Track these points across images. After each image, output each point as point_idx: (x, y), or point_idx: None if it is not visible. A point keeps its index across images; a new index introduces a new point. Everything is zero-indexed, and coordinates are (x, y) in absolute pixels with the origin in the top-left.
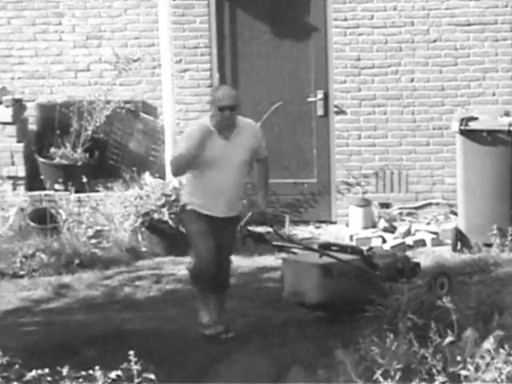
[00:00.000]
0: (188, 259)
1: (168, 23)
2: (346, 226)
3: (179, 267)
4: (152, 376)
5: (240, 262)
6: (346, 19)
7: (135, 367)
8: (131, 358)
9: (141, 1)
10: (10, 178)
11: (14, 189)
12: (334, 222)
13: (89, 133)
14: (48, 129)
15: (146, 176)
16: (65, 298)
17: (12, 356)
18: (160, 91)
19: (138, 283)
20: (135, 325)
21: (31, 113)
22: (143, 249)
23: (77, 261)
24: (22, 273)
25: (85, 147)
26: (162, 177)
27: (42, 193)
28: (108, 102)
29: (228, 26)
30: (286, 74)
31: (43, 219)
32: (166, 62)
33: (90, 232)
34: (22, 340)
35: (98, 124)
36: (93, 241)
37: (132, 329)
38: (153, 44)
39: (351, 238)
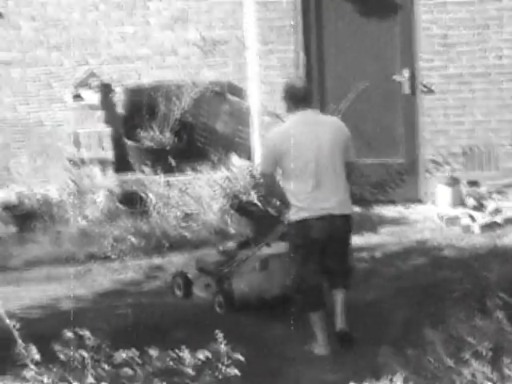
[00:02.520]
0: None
1: (254, 4)
2: (434, 205)
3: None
4: (240, 357)
5: None
6: None
7: (224, 348)
8: (219, 338)
9: None
10: (99, 161)
11: (104, 172)
12: (422, 202)
13: (176, 116)
14: (136, 112)
15: (234, 158)
16: (155, 280)
17: (102, 338)
18: (246, 73)
19: None
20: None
21: (119, 97)
22: (232, 231)
23: (166, 243)
24: (112, 256)
25: (173, 130)
26: (249, 158)
27: (131, 176)
28: (195, 85)
29: (313, 5)
30: (372, 52)
31: (132, 202)
32: (251, 44)
33: (179, 214)
34: (113, 322)
35: (185, 107)
36: (182, 223)
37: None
38: (238, 26)
39: (440, 217)
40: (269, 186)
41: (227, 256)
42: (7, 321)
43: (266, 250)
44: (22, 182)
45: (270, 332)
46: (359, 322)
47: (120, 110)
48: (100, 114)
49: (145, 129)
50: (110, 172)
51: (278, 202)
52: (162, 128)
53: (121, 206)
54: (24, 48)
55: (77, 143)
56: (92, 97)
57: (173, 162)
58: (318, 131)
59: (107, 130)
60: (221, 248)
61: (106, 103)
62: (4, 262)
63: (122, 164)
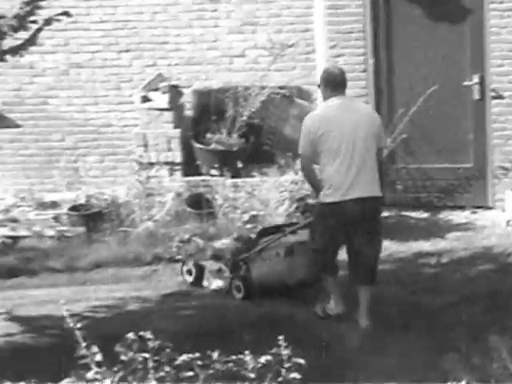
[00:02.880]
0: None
1: (323, 8)
2: (503, 211)
3: None
4: (301, 361)
5: (395, 248)
6: (502, 2)
7: (285, 352)
8: (281, 342)
9: None
10: (166, 163)
11: (171, 174)
12: (490, 207)
13: (244, 118)
14: (204, 114)
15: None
16: None
17: (164, 340)
18: (314, 76)
19: None
20: (289, 310)
21: (187, 99)
22: None
23: None
24: (178, 257)
25: (240, 133)
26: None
27: (199, 178)
28: (263, 88)
29: (382, 9)
30: (441, 57)
31: (199, 204)
32: (320, 47)
33: (246, 217)
34: (177, 324)
35: (253, 109)
36: (248, 226)
37: (286, 314)
38: (307, 29)
39: (508, 223)
40: (307, 169)
41: (244, 243)
42: (70, 322)
43: (291, 238)
44: (90, 182)
45: (332, 334)
46: (426, 327)
47: (188, 112)
48: (168, 115)
49: (212, 131)
50: (178, 174)
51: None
52: (229, 130)
53: (188, 208)
54: (94, 50)
55: (145, 145)
56: (160, 99)
57: (240, 165)
58: (354, 116)
59: (175, 132)
60: (236, 235)
61: (175, 105)
62: (72, 263)
63: (189, 166)
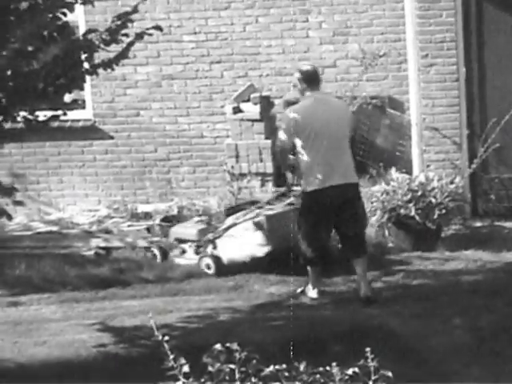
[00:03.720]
0: (435, 254)
1: (414, 18)
2: None
3: (426, 263)
4: (389, 373)
5: (487, 258)
6: None
7: (372, 364)
8: (368, 354)
9: None
10: (258, 174)
11: (262, 185)
12: None
13: None
14: None
15: (393, 171)
16: None
17: (252, 351)
18: (406, 86)
19: (385, 279)
20: (380, 320)
21: (279, 109)
22: (390, 244)
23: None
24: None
25: None
26: (409, 172)
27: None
28: (355, 98)
29: (474, 19)
30: None
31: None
32: (412, 57)
33: None
34: (268, 334)
35: None
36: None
37: (377, 325)
38: (399, 39)
39: None
40: (284, 158)
41: (208, 224)
42: (157, 333)
43: (258, 212)
44: (183, 193)
45: (424, 344)
46: (496, 334)
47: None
48: (259, 126)
49: None
50: (269, 185)
51: (436, 215)
52: None
53: None
54: (185, 61)
55: (236, 156)
56: (252, 109)
57: None
58: (330, 109)
59: (266, 143)
60: (197, 218)
61: (266, 116)
62: (164, 273)
63: (280, 177)
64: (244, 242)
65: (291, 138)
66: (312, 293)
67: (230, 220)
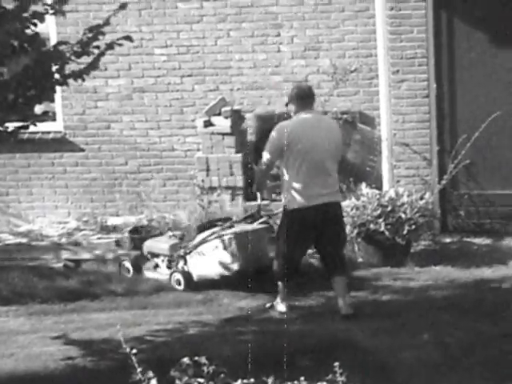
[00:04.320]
0: (404, 270)
1: (385, 33)
2: None
3: (395, 278)
4: None
5: (456, 274)
6: None
7: (340, 378)
8: (336, 369)
9: (358, 12)
10: (228, 188)
11: (233, 199)
12: None
13: None
14: (266, 139)
15: (363, 186)
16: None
17: (220, 365)
18: (377, 102)
19: (354, 294)
20: (349, 335)
21: (250, 123)
22: (359, 259)
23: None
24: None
25: None
26: (379, 187)
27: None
28: (325, 113)
29: (445, 35)
30: (506, 83)
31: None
32: (383, 73)
33: None
34: (237, 348)
35: None
36: (309, 251)
37: (346, 339)
38: (370, 54)
39: None
40: (265, 173)
41: (180, 239)
42: (125, 346)
43: (228, 231)
44: (153, 206)
45: (392, 358)
46: (492, 354)
47: (250, 136)
48: (230, 140)
49: None
50: (239, 199)
51: (405, 231)
52: None
53: None
54: (157, 74)
55: (207, 169)
56: (223, 123)
57: None
58: (321, 129)
59: (237, 157)
60: (171, 233)
61: (237, 130)
62: (133, 287)
63: (250, 191)
64: (213, 259)
65: (278, 155)
66: (281, 307)
67: (200, 236)
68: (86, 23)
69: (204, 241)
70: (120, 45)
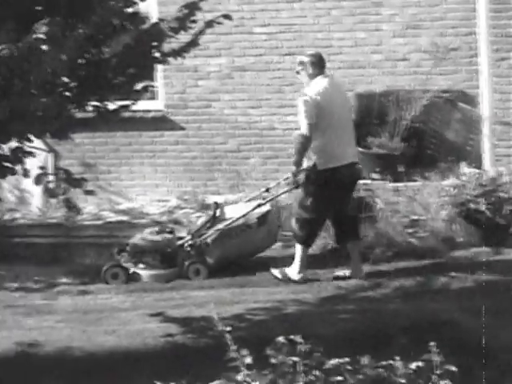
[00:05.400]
0: (505, 250)
1: (486, 12)
2: None
3: (495, 257)
4: (453, 368)
5: None
6: None
7: (436, 358)
8: (432, 349)
9: None
10: None
11: None
12: None
13: (406, 122)
14: (366, 118)
15: (463, 166)
16: (380, 286)
17: (315, 343)
18: (478, 80)
19: (453, 274)
20: (448, 315)
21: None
22: (459, 239)
23: (392, 250)
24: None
25: (402, 136)
26: (479, 166)
27: (360, 182)
28: (426, 92)
29: None
30: None
31: (360, 208)
32: (483, 51)
33: (406, 221)
34: (333, 327)
35: (415, 113)
36: (409, 230)
37: (443, 319)
38: (471, 33)
39: None
40: (308, 139)
41: (170, 233)
42: (219, 324)
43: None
44: (253, 185)
45: (491, 340)
46: None
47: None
48: None
49: (374, 135)
50: None
51: (506, 210)
52: (391, 134)
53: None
54: (257, 53)
55: None
56: None
57: (401, 169)
58: (341, 91)
59: None
60: (156, 229)
61: None
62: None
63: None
64: (231, 246)
65: (314, 120)
66: (294, 274)
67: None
68: (187, 1)
69: (217, 230)
70: (219, 23)
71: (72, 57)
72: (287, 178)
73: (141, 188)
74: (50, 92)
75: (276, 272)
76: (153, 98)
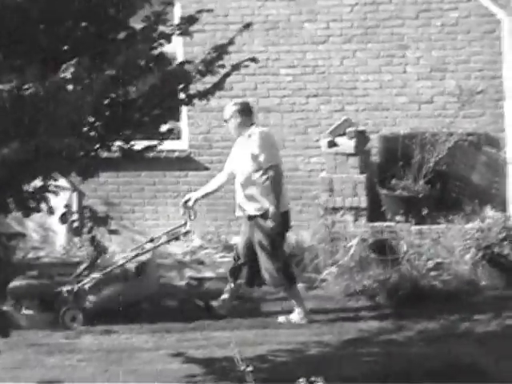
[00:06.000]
0: None
1: None
2: None
3: None
4: None
5: None
6: None
7: None
8: None
9: (484, 33)
10: (352, 208)
11: (356, 219)
12: None
13: (431, 164)
14: (390, 160)
15: (488, 209)
16: (403, 329)
17: None
18: (503, 123)
19: (477, 317)
20: (473, 359)
21: (374, 144)
22: (483, 282)
23: (416, 293)
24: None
25: (426, 179)
26: (503, 210)
27: (383, 224)
28: (451, 134)
29: None
30: None
31: (383, 250)
32: (509, 94)
33: (430, 264)
34: (357, 370)
35: (440, 156)
36: (432, 273)
37: (468, 363)
38: (496, 76)
39: None
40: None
41: (49, 279)
42: (240, 364)
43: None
44: None
45: None
46: None
47: (374, 157)
48: (354, 161)
49: (398, 177)
50: (363, 219)
51: None
52: (415, 177)
53: (372, 253)
54: (282, 94)
55: (330, 190)
56: (347, 144)
57: (425, 211)
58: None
59: (361, 177)
60: (32, 273)
61: (361, 150)
62: (255, 306)
63: (374, 212)
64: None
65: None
66: (301, 318)
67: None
68: (213, 43)
69: (97, 277)
70: (246, 66)
71: (98, 97)
72: (172, 230)
73: (165, 228)
74: (75, 132)
75: (282, 319)
76: (177, 137)
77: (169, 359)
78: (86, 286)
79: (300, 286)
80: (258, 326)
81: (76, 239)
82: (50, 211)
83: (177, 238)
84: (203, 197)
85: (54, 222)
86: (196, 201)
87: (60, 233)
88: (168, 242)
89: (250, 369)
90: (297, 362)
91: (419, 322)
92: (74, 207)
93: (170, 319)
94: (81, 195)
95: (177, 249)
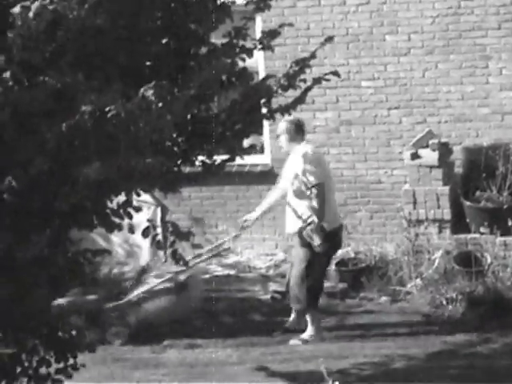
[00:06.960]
0: None
1: None
2: None
3: None
4: None
5: None
6: None
7: None
8: None
9: None
10: (435, 220)
11: (440, 231)
12: None
13: None
14: (474, 172)
15: None
16: (489, 342)
17: None
18: None
19: None
20: None
21: (457, 156)
22: None
23: (501, 305)
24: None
25: (511, 190)
26: None
27: (468, 236)
28: None
29: None
30: None
31: (468, 262)
32: None
33: None
34: (444, 382)
35: None
36: None
37: None
38: None
39: None
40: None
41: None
42: (328, 379)
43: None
44: (359, 238)
45: None
46: None
47: (457, 169)
48: (438, 173)
49: (482, 188)
50: (447, 231)
51: None
52: (500, 188)
53: (456, 266)
54: (364, 107)
55: (414, 202)
56: (430, 156)
57: (510, 223)
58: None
59: (444, 189)
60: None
61: (444, 162)
62: (341, 319)
63: (458, 224)
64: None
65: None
66: (311, 337)
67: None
68: (294, 56)
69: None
70: (327, 80)
71: (179, 115)
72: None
73: (248, 242)
74: (158, 151)
75: (295, 341)
76: (260, 152)
77: (253, 373)
78: (131, 302)
79: (384, 299)
80: (344, 339)
81: (160, 254)
82: (131, 229)
83: (217, 255)
84: (261, 216)
85: (138, 236)
86: (254, 222)
87: (144, 248)
88: (209, 258)
89: (336, 383)
90: (382, 375)
91: (504, 335)
92: (158, 222)
93: (254, 333)
94: (164, 210)
95: (260, 262)
